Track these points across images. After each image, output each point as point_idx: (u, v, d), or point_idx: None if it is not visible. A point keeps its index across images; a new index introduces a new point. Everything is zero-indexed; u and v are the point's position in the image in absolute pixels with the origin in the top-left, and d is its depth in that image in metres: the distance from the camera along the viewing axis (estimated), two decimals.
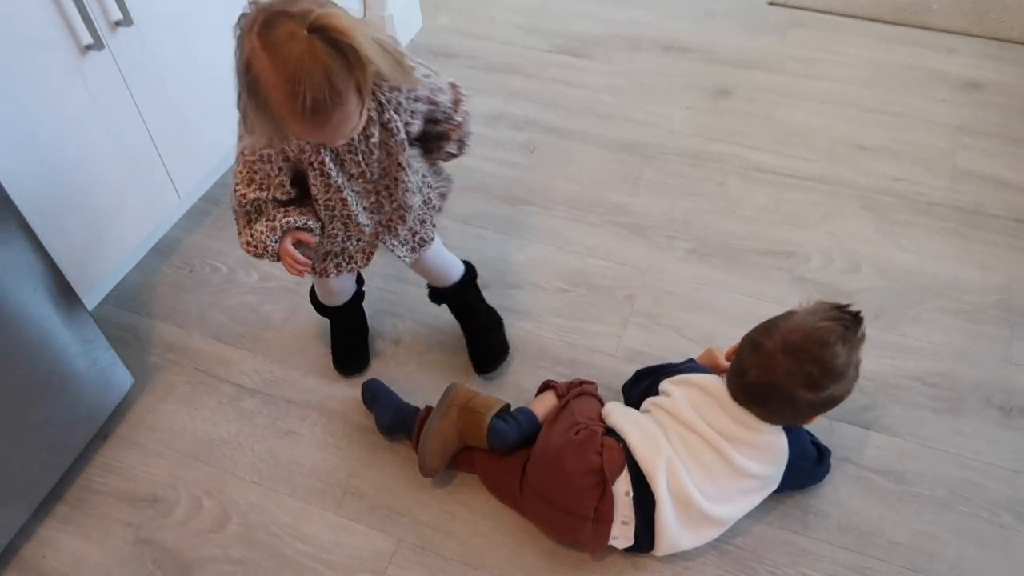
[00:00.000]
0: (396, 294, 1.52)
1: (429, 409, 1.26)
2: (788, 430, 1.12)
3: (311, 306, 1.41)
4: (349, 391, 1.38)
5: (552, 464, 1.12)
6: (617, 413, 1.18)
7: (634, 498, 1.09)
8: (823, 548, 1.17)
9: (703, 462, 1.10)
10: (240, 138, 1.06)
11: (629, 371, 1.36)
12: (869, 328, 1.30)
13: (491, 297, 1.49)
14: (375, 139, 1.04)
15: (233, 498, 1.26)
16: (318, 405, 1.36)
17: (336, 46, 0.84)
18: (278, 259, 1.08)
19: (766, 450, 1.11)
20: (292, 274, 1.10)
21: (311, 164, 1.04)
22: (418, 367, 1.41)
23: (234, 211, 1.09)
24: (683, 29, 2.13)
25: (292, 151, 1.03)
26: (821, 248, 1.57)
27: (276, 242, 1.06)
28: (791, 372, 1.05)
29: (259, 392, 1.39)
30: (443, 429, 1.21)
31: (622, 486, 1.09)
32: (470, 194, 1.70)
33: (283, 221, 1.06)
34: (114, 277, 1.56)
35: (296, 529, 1.22)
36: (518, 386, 1.37)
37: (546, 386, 1.29)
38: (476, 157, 1.77)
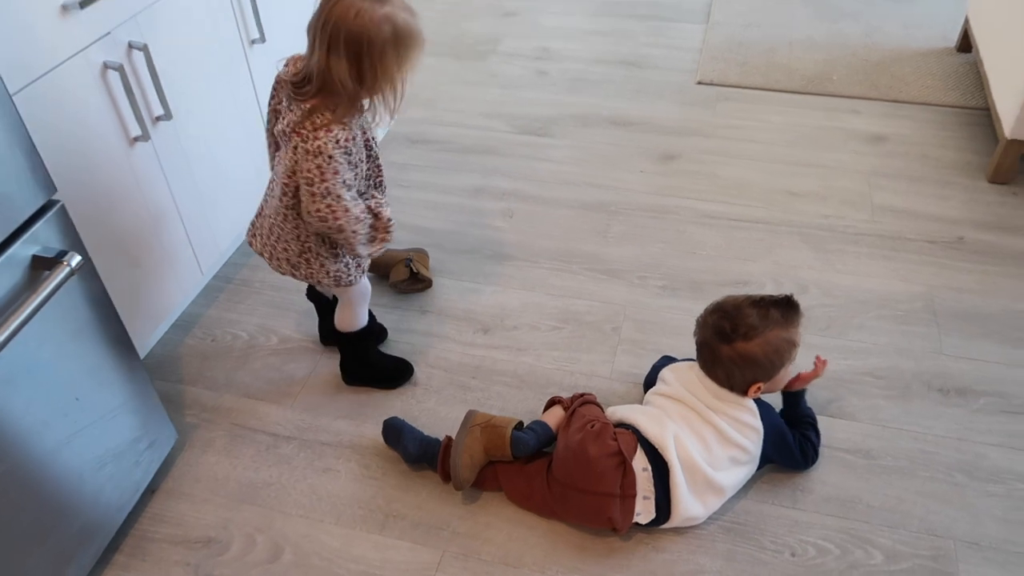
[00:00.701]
0: (408, 343, 1.69)
1: (450, 438, 1.41)
2: (759, 404, 1.34)
3: (344, 366, 1.59)
4: (377, 429, 1.51)
5: (577, 455, 1.29)
6: (621, 409, 1.37)
7: (651, 472, 1.26)
8: (813, 517, 1.35)
9: (699, 432, 1.30)
10: (324, 194, 1.22)
11: (624, 390, 1.55)
12: (823, 336, 1.54)
13: (493, 339, 1.69)
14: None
15: (283, 532, 1.36)
16: (351, 444, 1.49)
17: None
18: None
19: (741, 422, 1.32)
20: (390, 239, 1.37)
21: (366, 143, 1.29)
22: (436, 403, 1.56)
23: (358, 233, 1.28)
24: (627, 107, 2.44)
25: (359, 149, 1.25)
26: (772, 276, 1.82)
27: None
28: (712, 326, 1.31)
29: (294, 438, 1.51)
30: (469, 444, 1.36)
31: (639, 463, 1.27)
32: (462, 255, 1.90)
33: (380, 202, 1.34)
34: (142, 351, 1.68)
35: (346, 552, 1.33)
36: (529, 411, 1.54)
37: (552, 402, 1.46)
38: (463, 223, 2.00)
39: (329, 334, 1.64)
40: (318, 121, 1.18)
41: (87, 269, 1.15)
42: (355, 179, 1.27)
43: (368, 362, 1.58)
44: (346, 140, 1.20)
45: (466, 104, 2.50)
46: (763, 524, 1.35)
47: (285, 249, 1.37)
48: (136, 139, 1.44)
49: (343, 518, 1.38)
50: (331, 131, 1.18)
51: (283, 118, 1.24)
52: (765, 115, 2.38)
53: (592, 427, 1.31)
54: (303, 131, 1.19)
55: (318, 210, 1.22)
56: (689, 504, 1.29)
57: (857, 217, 1.98)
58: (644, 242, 1.93)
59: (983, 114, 2.33)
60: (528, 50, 2.78)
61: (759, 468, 1.37)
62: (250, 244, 1.45)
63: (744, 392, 1.33)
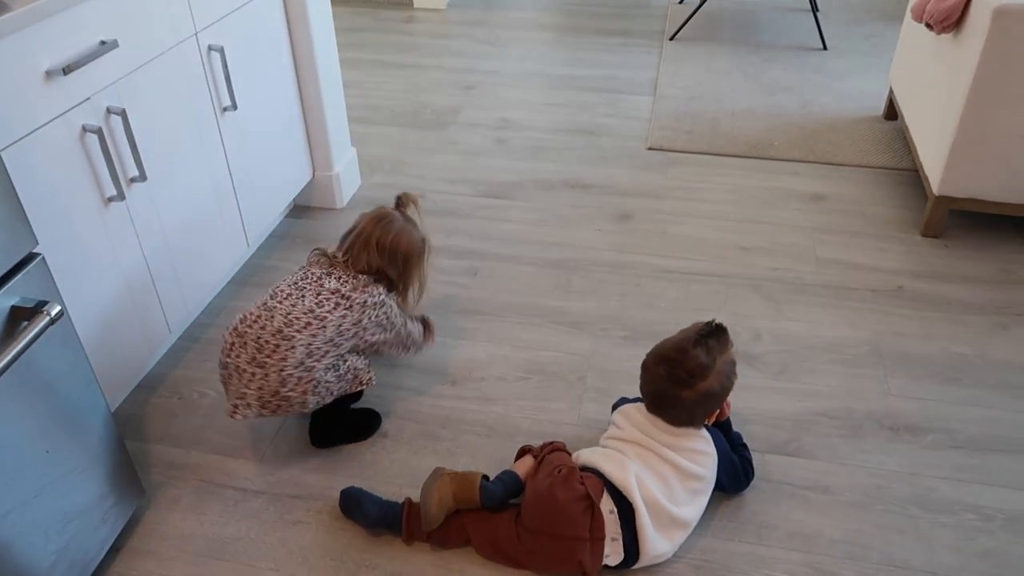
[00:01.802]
0: (378, 396, 1.71)
1: (411, 500, 1.42)
2: (709, 431, 1.40)
3: (314, 430, 1.60)
4: (348, 481, 1.52)
5: (546, 500, 1.31)
6: (585, 454, 1.40)
7: (618, 514, 1.29)
8: (777, 552, 1.39)
9: (658, 471, 1.34)
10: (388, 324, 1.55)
11: (591, 436, 1.59)
12: (778, 380, 1.62)
13: (462, 391, 1.72)
14: None
15: None
16: (320, 495, 1.50)
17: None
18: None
19: (696, 451, 1.37)
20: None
21: None
22: (407, 454, 1.58)
23: (415, 345, 1.67)
24: (583, 172, 2.56)
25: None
26: (728, 325, 1.88)
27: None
28: (667, 377, 1.35)
29: (263, 492, 1.51)
30: (440, 487, 1.37)
31: (606, 506, 1.30)
32: (428, 311, 1.94)
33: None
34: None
35: None
36: (500, 459, 1.56)
37: (523, 451, 1.49)
38: (428, 281, 2.05)
39: (321, 434, 1.61)
40: (377, 288, 1.53)
41: (63, 321, 1.17)
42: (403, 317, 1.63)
43: (339, 419, 1.60)
44: (391, 299, 1.57)
45: (428, 170, 2.59)
46: (729, 561, 1.38)
47: (292, 390, 1.43)
48: (111, 199, 1.48)
49: (314, 570, 1.37)
50: (380, 291, 1.53)
51: (331, 280, 1.49)
52: (713, 177, 2.52)
53: (559, 472, 1.34)
54: (368, 290, 1.50)
55: (396, 342, 1.59)
56: (656, 542, 1.32)
57: (803, 269, 2.09)
58: (604, 296, 2.01)
59: (912, 174, 2.51)
60: (488, 120, 2.91)
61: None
62: (244, 418, 1.46)
63: (702, 423, 1.39)
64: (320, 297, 1.45)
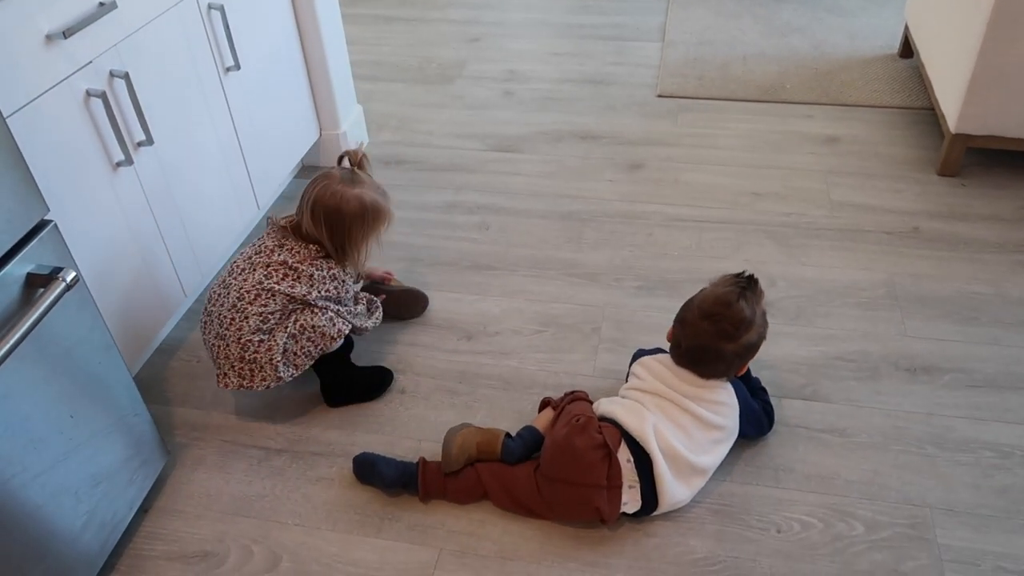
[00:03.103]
0: (393, 354, 1.72)
1: (425, 459, 1.43)
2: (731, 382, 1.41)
3: (325, 389, 1.61)
4: (368, 437, 1.54)
5: (564, 449, 1.32)
6: (604, 403, 1.41)
7: (635, 464, 1.30)
8: (795, 495, 1.41)
9: (678, 422, 1.35)
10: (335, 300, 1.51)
11: (608, 386, 1.60)
12: (793, 325, 1.62)
13: (477, 345, 1.73)
14: None
15: (280, 541, 1.37)
16: (342, 452, 1.52)
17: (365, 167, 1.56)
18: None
19: (719, 403, 1.37)
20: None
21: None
22: (425, 409, 1.60)
23: (360, 320, 1.57)
24: (592, 122, 2.53)
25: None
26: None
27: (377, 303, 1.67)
28: (712, 332, 1.34)
29: (285, 451, 1.53)
30: (465, 434, 1.40)
31: (623, 455, 1.31)
32: (441, 268, 1.95)
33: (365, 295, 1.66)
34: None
35: (344, 556, 1.35)
36: (516, 412, 1.58)
37: (544, 403, 1.50)
38: (439, 238, 2.05)
39: (331, 395, 1.62)
40: (327, 261, 1.50)
41: (79, 286, 1.17)
42: (355, 291, 1.61)
43: (349, 379, 1.61)
44: (344, 273, 1.52)
45: (436, 126, 2.56)
46: (748, 504, 1.39)
47: (267, 362, 1.45)
48: (119, 164, 1.47)
49: (339, 524, 1.40)
50: (339, 265, 1.51)
51: (281, 252, 1.47)
52: (724, 123, 2.48)
53: (578, 421, 1.35)
54: (318, 263, 1.48)
55: (330, 318, 1.48)
56: (674, 490, 1.33)
57: (817, 213, 2.07)
58: (617, 246, 2.00)
59: (928, 113, 2.45)
60: (495, 73, 2.87)
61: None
62: (226, 387, 1.48)
63: (733, 376, 1.40)
64: (269, 269, 1.46)
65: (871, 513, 1.37)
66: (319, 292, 1.47)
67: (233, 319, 1.44)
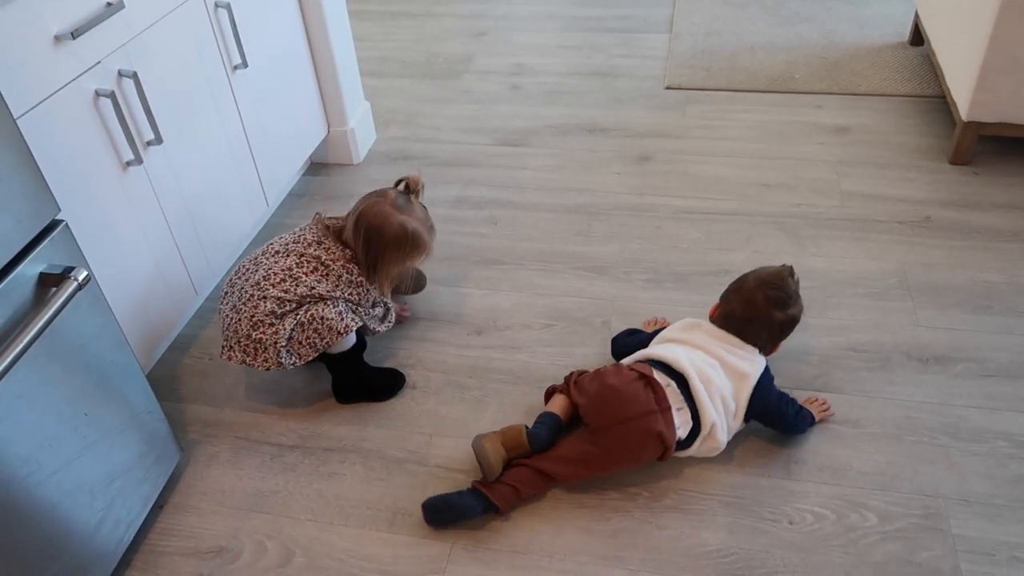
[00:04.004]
0: (403, 349, 1.73)
1: (476, 482, 1.39)
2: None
3: (337, 386, 1.62)
4: (379, 432, 1.55)
5: (605, 393, 1.38)
6: (628, 359, 1.48)
7: (676, 386, 1.38)
8: (807, 487, 1.40)
9: (706, 360, 1.43)
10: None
11: None
12: (805, 317, 1.63)
13: (487, 340, 1.73)
14: None
15: (293, 536, 1.38)
16: (354, 448, 1.52)
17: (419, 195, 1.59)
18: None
19: (749, 359, 1.45)
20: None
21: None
22: (436, 404, 1.60)
23: (347, 333, 1.52)
24: (600, 115, 2.52)
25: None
26: (751, 263, 1.86)
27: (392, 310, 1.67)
28: (767, 298, 1.45)
29: (298, 447, 1.54)
30: (488, 440, 1.39)
31: (662, 380, 1.39)
32: (450, 263, 1.95)
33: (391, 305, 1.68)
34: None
35: (357, 551, 1.35)
36: (527, 406, 1.58)
37: (550, 392, 1.51)
38: (448, 233, 2.05)
39: (341, 391, 1.63)
40: (362, 269, 1.53)
41: (91, 285, 1.18)
42: (371, 299, 1.61)
43: (360, 378, 1.62)
44: (370, 284, 1.56)
45: (443, 120, 2.56)
46: (760, 496, 1.39)
47: (273, 346, 1.47)
48: (129, 163, 1.48)
49: (352, 519, 1.40)
50: (360, 274, 1.53)
51: (316, 248, 1.51)
52: (732, 114, 2.47)
53: (604, 369, 1.42)
54: (349, 267, 1.51)
55: (339, 312, 1.49)
56: (711, 411, 1.38)
57: (827, 204, 2.06)
58: (625, 239, 1.99)
59: (939, 101, 2.43)
60: (502, 67, 2.86)
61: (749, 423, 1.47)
62: (230, 359, 1.51)
63: (770, 348, 1.50)
64: (302, 259, 1.49)
65: (884, 504, 1.36)
66: (341, 293, 1.51)
67: (252, 295, 1.47)
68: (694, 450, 1.41)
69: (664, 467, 1.43)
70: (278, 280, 1.47)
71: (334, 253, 1.51)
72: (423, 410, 1.59)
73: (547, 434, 1.41)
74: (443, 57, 2.96)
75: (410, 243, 1.51)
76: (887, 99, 2.48)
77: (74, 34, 1.30)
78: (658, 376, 1.38)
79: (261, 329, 1.46)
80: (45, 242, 1.10)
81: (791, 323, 1.48)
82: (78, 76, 1.34)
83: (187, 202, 1.67)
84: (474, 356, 1.70)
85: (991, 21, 1.90)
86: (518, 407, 1.58)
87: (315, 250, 1.51)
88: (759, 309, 1.45)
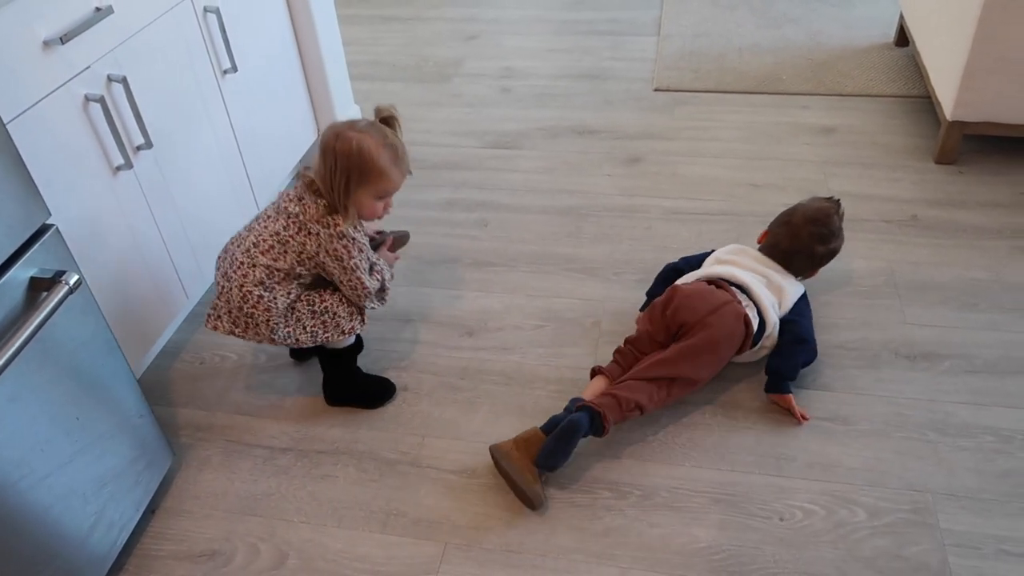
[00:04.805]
0: (395, 351, 1.73)
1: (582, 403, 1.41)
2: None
3: (328, 385, 1.61)
4: (371, 434, 1.55)
5: (688, 295, 1.52)
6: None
7: (736, 292, 1.55)
8: (797, 483, 1.41)
9: (758, 285, 1.59)
10: (350, 264, 1.43)
11: None
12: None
13: (479, 341, 1.74)
14: None
15: (286, 539, 1.38)
16: (347, 450, 1.53)
17: (393, 127, 1.46)
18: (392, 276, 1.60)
19: (790, 283, 1.63)
20: (392, 263, 1.65)
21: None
22: (428, 405, 1.60)
23: (368, 296, 1.49)
24: (589, 117, 2.53)
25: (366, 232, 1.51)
26: None
27: (387, 266, 1.59)
28: (811, 234, 1.62)
29: (290, 449, 1.54)
30: (518, 461, 1.38)
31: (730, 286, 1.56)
32: (441, 265, 1.96)
33: (380, 262, 1.56)
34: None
35: (350, 552, 1.36)
36: (518, 407, 1.58)
37: (594, 372, 1.54)
38: (439, 235, 2.06)
39: (331, 392, 1.63)
40: (337, 215, 1.42)
41: (82, 289, 1.18)
42: (371, 258, 1.51)
43: (352, 382, 1.62)
44: (354, 230, 1.44)
45: (434, 124, 2.57)
46: (750, 493, 1.40)
47: (270, 311, 1.43)
48: (119, 168, 1.48)
49: (344, 520, 1.41)
50: (347, 221, 1.42)
51: (296, 204, 1.43)
52: (721, 115, 2.49)
53: (675, 286, 1.59)
54: (325, 220, 1.41)
55: (350, 280, 1.45)
56: (772, 312, 1.55)
57: None
58: (616, 240, 2.00)
59: (925, 101, 2.46)
60: (492, 70, 2.87)
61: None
62: (215, 329, 1.48)
63: (809, 275, 1.69)
64: (288, 220, 1.43)
65: (873, 500, 1.37)
66: (327, 252, 1.42)
67: (242, 263, 1.43)
68: (757, 349, 1.57)
69: (654, 464, 1.45)
70: (267, 247, 1.42)
71: (309, 209, 1.41)
72: (415, 412, 1.59)
73: (576, 416, 1.39)
74: (433, 61, 2.97)
75: (361, 161, 1.37)
76: (873, 99, 2.50)
77: (63, 39, 1.30)
78: (723, 282, 1.56)
79: (250, 302, 1.42)
80: (36, 246, 1.10)
81: (831, 255, 1.65)
82: (68, 81, 1.34)
83: (177, 206, 1.67)
84: (466, 357, 1.71)
85: (974, 22, 1.92)
86: (510, 408, 1.58)
87: (295, 207, 1.42)
88: (804, 243, 1.62)
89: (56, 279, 1.10)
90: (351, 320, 1.50)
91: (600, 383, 1.50)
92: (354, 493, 1.45)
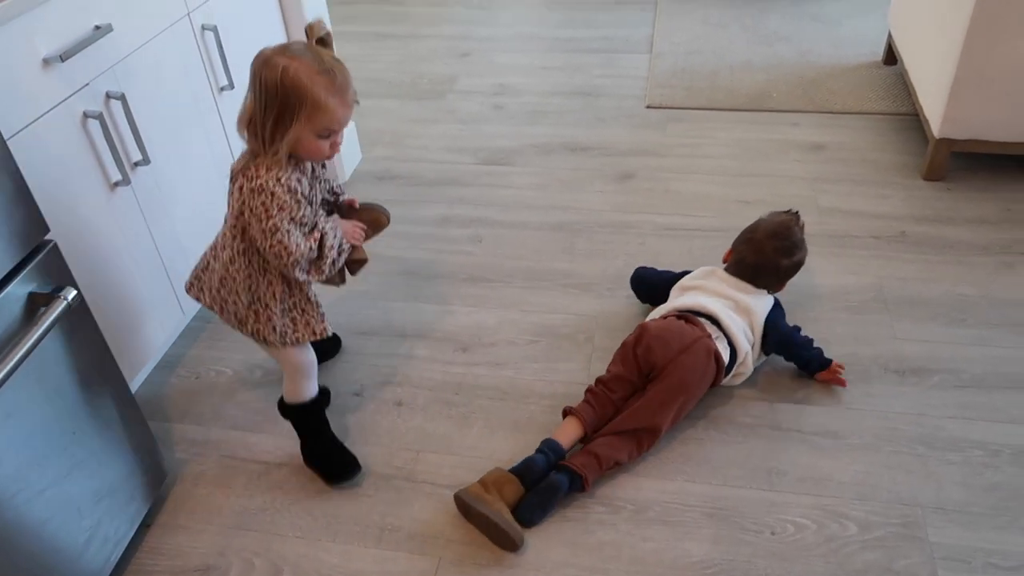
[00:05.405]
0: (389, 367, 1.74)
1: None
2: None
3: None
4: (365, 449, 1.55)
5: (658, 335, 1.51)
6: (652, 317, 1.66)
7: (708, 322, 1.55)
8: (788, 497, 1.43)
9: (727, 311, 1.59)
10: (272, 225, 1.23)
11: None
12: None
13: (473, 357, 1.75)
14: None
15: (281, 553, 1.39)
16: None
17: (330, 47, 1.25)
18: (347, 250, 1.36)
19: (760, 300, 1.64)
20: (357, 241, 1.40)
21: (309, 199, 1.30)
22: (423, 420, 1.61)
23: (297, 264, 1.26)
24: (582, 134, 2.56)
25: (304, 187, 1.27)
26: None
27: (340, 234, 1.34)
28: (775, 249, 1.64)
29: (285, 464, 1.55)
30: (494, 505, 1.36)
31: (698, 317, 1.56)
32: (436, 280, 1.97)
33: (328, 223, 1.32)
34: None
35: (345, 567, 1.36)
36: (512, 422, 1.60)
37: (566, 412, 1.51)
38: (433, 251, 2.07)
39: (304, 449, 1.52)
40: (260, 162, 1.22)
41: (80, 305, 1.19)
42: (305, 215, 1.27)
43: (317, 445, 1.50)
44: (287, 179, 1.23)
45: (428, 140, 2.59)
46: (742, 508, 1.41)
47: (235, 302, 1.36)
48: (116, 184, 1.49)
49: (339, 535, 1.41)
50: (271, 170, 1.22)
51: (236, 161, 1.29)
52: (712, 132, 2.52)
53: (643, 323, 1.59)
54: (248, 172, 1.23)
55: (271, 246, 1.24)
56: (742, 340, 1.55)
57: (805, 219, 2.05)
58: (609, 256, 2.02)
59: (913, 119, 2.49)
60: (485, 87, 2.90)
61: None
62: (197, 299, 1.42)
63: (778, 289, 1.70)
64: (235, 230, 1.31)
65: (864, 513, 1.39)
66: (250, 207, 1.22)
67: (225, 300, 1.36)
68: (730, 377, 1.58)
69: (647, 479, 1.46)
70: (231, 286, 1.34)
71: (243, 158, 1.25)
72: (410, 427, 1.60)
73: (543, 463, 1.41)
74: (428, 78, 3.00)
75: (290, 92, 1.17)
76: (862, 117, 2.54)
77: (63, 57, 1.32)
78: (690, 318, 1.56)
79: (227, 287, 1.34)
80: (34, 262, 1.11)
81: (796, 267, 1.67)
82: (67, 98, 1.35)
83: (174, 221, 1.69)
84: (460, 373, 1.72)
85: (960, 41, 1.96)
86: (504, 423, 1.59)
87: (238, 182, 1.25)
88: (768, 257, 1.64)
89: (54, 295, 1.11)
90: (321, 323, 1.39)
91: (573, 426, 1.47)
92: (348, 508, 1.45)
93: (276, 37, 2.04)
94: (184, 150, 1.69)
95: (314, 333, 1.40)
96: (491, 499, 1.37)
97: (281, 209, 1.22)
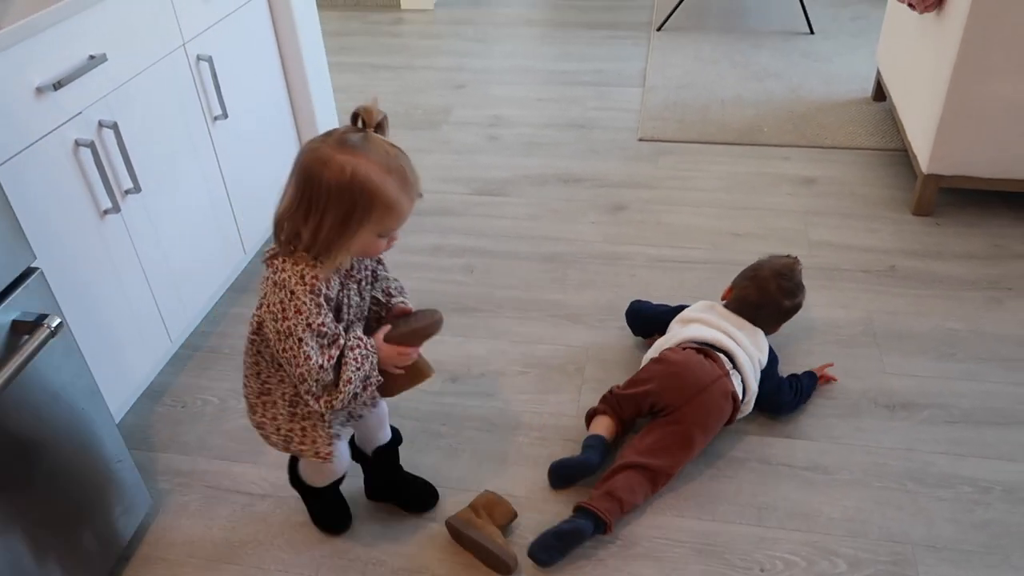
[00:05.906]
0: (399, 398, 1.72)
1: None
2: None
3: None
4: (351, 480, 1.52)
5: (677, 372, 1.51)
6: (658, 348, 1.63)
7: (723, 358, 1.54)
8: (778, 533, 1.41)
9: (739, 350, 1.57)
10: (289, 328, 1.07)
11: None
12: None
13: (462, 387, 1.74)
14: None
15: None
16: None
17: (385, 131, 1.09)
18: (377, 383, 1.14)
19: (759, 339, 1.62)
20: (403, 365, 1.17)
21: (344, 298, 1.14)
22: (411, 452, 1.59)
23: (316, 385, 1.10)
24: (575, 166, 2.58)
25: (333, 289, 1.11)
26: None
27: (374, 355, 1.13)
28: (779, 288, 1.65)
29: (269, 496, 1.53)
30: (486, 529, 1.36)
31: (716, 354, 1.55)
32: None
33: (360, 338, 1.13)
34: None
35: None
36: (500, 453, 1.58)
37: (591, 414, 1.57)
38: (425, 280, 2.07)
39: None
40: (289, 253, 1.08)
41: (64, 332, 1.18)
42: (326, 324, 1.09)
43: (319, 500, 1.46)
44: (313, 279, 1.06)
45: (422, 170, 2.54)
46: (731, 543, 1.40)
47: (247, 385, 1.24)
48: (107, 211, 1.49)
49: (323, 569, 1.39)
50: (298, 265, 1.07)
51: (268, 267, 1.12)
52: (703, 165, 2.54)
53: (662, 354, 1.58)
54: (275, 262, 1.09)
55: (282, 350, 1.08)
56: (752, 379, 1.54)
57: (796, 252, 2.08)
58: (600, 287, 2.03)
59: (902, 154, 2.52)
60: (480, 118, 2.93)
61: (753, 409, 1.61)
62: None
63: (774, 331, 1.70)
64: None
65: (853, 550, 1.37)
66: (268, 304, 1.08)
67: (247, 376, 1.24)
68: (747, 404, 1.56)
69: (635, 513, 1.44)
70: (255, 310, 1.16)
71: (269, 250, 1.11)
72: (426, 460, 1.58)
73: (598, 458, 1.46)
74: (423, 108, 3.02)
75: (359, 194, 1.01)
76: (852, 152, 2.57)
77: (56, 86, 1.32)
78: (710, 352, 1.55)
79: (259, 414, 1.25)
80: (19, 290, 1.10)
81: (795, 309, 1.69)
82: (59, 126, 1.36)
83: (164, 250, 1.68)
84: (449, 403, 1.71)
85: (947, 78, 1.99)
86: (492, 454, 1.58)
87: (265, 272, 1.11)
88: (772, 296, 1.64)
89: (38, 322, 1.11)
90: (328, 446, 1.22)
91: (607, 423, 1.54)
92: (333, 541, 1.43)
93: (271, 68, 2.06)
94: (176, 179, 1.70)
95: (317, 454, 1.23)
96: (481, 523, 1.36)
97: (298, 312, 1.06)
